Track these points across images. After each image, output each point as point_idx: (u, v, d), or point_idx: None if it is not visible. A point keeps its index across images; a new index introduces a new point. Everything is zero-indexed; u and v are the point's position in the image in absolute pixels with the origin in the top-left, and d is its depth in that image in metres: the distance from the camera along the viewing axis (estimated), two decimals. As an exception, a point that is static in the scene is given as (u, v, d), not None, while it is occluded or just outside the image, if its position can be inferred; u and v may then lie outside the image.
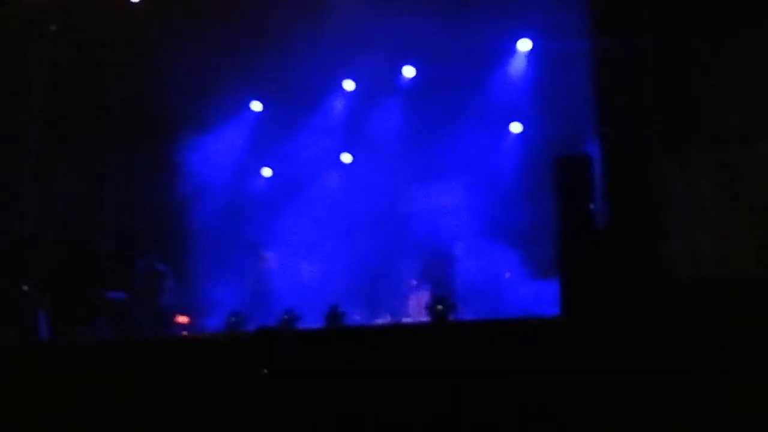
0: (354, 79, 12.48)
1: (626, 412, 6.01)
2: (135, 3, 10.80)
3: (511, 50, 11.29)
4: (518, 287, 10.34)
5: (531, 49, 11.16)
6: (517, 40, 11.17)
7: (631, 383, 6.08)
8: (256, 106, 12.92)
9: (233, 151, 12.87)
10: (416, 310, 10.27)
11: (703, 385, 6.02)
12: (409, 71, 12.11)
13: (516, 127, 11.87)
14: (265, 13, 10.81)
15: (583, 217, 7.66)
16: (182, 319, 10.60)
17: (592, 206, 7.78)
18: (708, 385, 6.02)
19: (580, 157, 7.93)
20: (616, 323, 6.48)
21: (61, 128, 10.49)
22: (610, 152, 7.84)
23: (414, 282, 10.65)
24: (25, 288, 8.99)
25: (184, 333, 9.81)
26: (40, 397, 7.61)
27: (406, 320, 9.88)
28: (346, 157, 13.10)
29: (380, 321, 9.49)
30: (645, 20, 7.82)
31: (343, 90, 12.61)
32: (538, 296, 9.76)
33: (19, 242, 9.62)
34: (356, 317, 9.92)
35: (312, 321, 8.66)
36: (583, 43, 8.36)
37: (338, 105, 12.67)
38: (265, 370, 7.11)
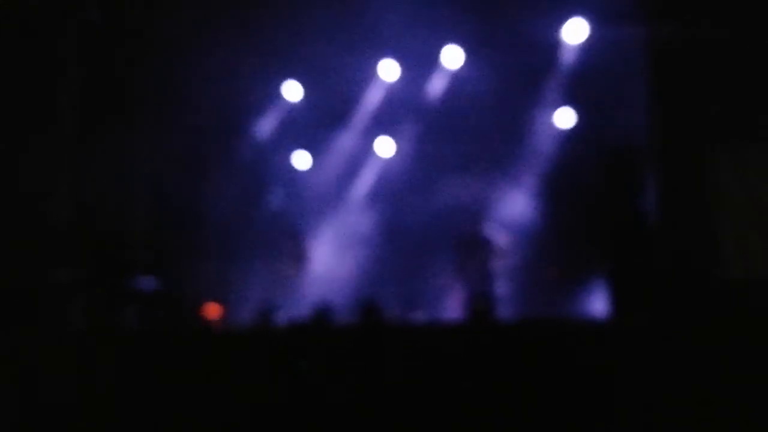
0: (395, 65, 12.19)
1: (678, 415, 5.74)
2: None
3: (561, 38, 10.83)
4: (562, 286, 10.08)
5: (583, 37, 10.76)
6: (568, 26, 10.76)
7: (681, 386, 5.81)
8: (294, 94, 12.74)
9: (268, 138, 12.74)
10: (455, 307, 10.11)
11: (756, 390, 5.65)
12: (454, 55, 11.74)
13: (564, 119, 11.48)
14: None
15: (634, 215, 7.52)
16: (215, 308, 10.59)
17: (642, 203, 7.61)
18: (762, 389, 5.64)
19: (631, 151, 7.80)
20: (666, 325, 6.17)
21: (95, 117, 10.44)
22: (662, 146, 7.71)
23: (452, 278, 10.42)
24: (60, 276, 8.97)
25: (216, 324, 9.76)
26: (79, 388, 7.44)
27: (444, 318, 9.72)
28: (384, 149, 12.89)
29: (417, 316, 9.33)
30: (701, 8, 7.62)
31: (382, 79, 12.32)
32: (583, 296, 9.59)
33: (53, 230, 9.60)
34: (392, 313, 9.79)
35: (347, 315, 8.49)
36: (637, 31, 8.16)
37: (377, 94, 12.38)
38: (296, 363, 7.00)
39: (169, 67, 10.92)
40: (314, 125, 12.53)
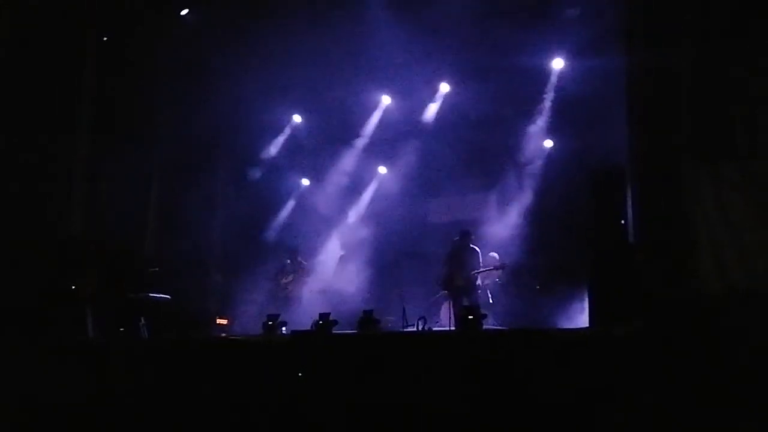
0: (391, 96, 12.65)
1: (654, 425, 5.96)
2: (184, 19, 11.15)
3: (546, 68, 11.30)
4: (546, 298, 10.33)
5: (564, 66, 11.17)
6: (551, 58, 11.19)
7: (659, 394, 6.03)
8: (296, 118, 13.22)
9: (274, 161, 13.21)
10: (447, 318, 10.36)
11: (732, 397, 5.91)
12: (447, 86, 12.20)
13: (548, 142, 11.89)
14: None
15: (616, 231, 7.65)
16: (222, 321, 10.79)
17: (623, 220, 7.74)
18: (738, 397, 5.91)
19: (613, 171, 7.94)
20: (645, 336, 6.43)
21: (110, 135, 10.74)
22: (640, 165, 7.81)
23: (444, 292, 10.68)
24: (74, 287, 9.21)
25: (223, 335, 9.93)
26: (89, 394, 7.79)
27: (436, 328, 9.92)
28: (381, 172, 13.32)
29: (412, 328, 9.52)
30: (677, 35, 7.78)
31: (381, 106, 12.80)
32: (566, 308, 9.81)
33: (68, 242, 9.85)
34: (389, 324, 10.03)
35: (346, 327, 8.77)
36: (615, 59, 8.39)
37: (375, 121, 12.86)
38: (300, 374, 7.20)
39: (182, 92, 11.28)
40: (316, 149, 12.97)
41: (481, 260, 10.38)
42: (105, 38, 10.70)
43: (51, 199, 10.03)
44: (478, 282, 10.36)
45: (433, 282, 10.78)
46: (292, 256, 11.83)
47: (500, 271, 10.64)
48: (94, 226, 10.38)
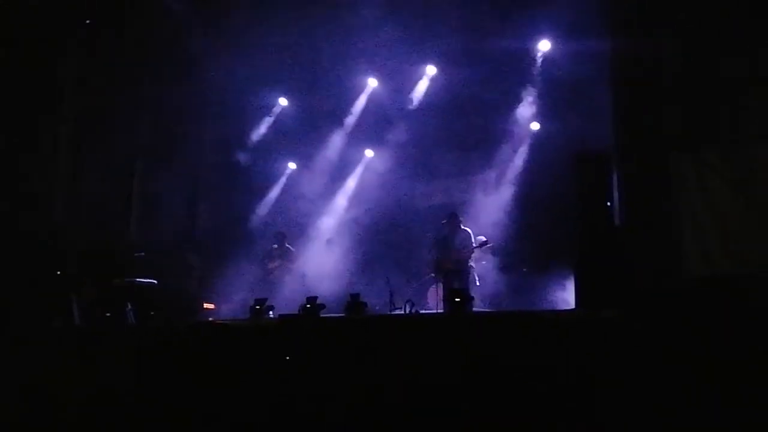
0: (378, 79, 12.61)
1: (639, 407, 6.00)
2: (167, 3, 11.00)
3: (532, 51, 11.27)
4: (532, 281, 10.39)
5: (551, 49, 11.16)
6: (538, 40, 11.17)
7: (642, 378, 6.05)
8: (282, 101, 13.16)
9: (259, 145, 13.16)
10: (434, 301, 10.43)
11: (718, 381, 5.95)
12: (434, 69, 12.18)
13: (534, 125, 11.91)
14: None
15: (601, 215, 7.68)
16: (209, 305, 10.79)
17: (609, 204, 7.78)
18: (723, 380, 5.95)
19: (598, 155, 7.94)
20: (629, 319, 6.46)
21: (92, 120, 10.63)
22: (625, 150, 7.85)
23: (431, 274, 10.73)
24: (59, 274, 9.14)
25: (211, 319, 9.94)
26: (79, 382, 7.73)
27: (424, 311, 9.98)
28: (370, 153, 13.32)
29: (399, 311, 9.57)
30: (663, 20, 7.81)
31: (368, 89, 12.75)
32: (553, 291, 9.89)
33: (52, 229, 9.75)
34: (377, 308, 10.09)
35: (335, 310, 8.81)
36: (601, 42, 8.40)
37: (362, 104, 12.81)
38: (288, 357, 7.23)
39: (165, 76, 11.18)
40: (303, 133, 12.93)
41: (474, 240, 10.39)
42: (87, 21, 10.53)
43: (33, 186, 9.92)
44: (471, 264, 10.37)
45: (426, 265, 10.79)
46: (279, 240, 11.82)
47: (489, 255, 10.67)
48: (78, 212, 10.28)
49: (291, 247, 11.84)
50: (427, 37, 11.15)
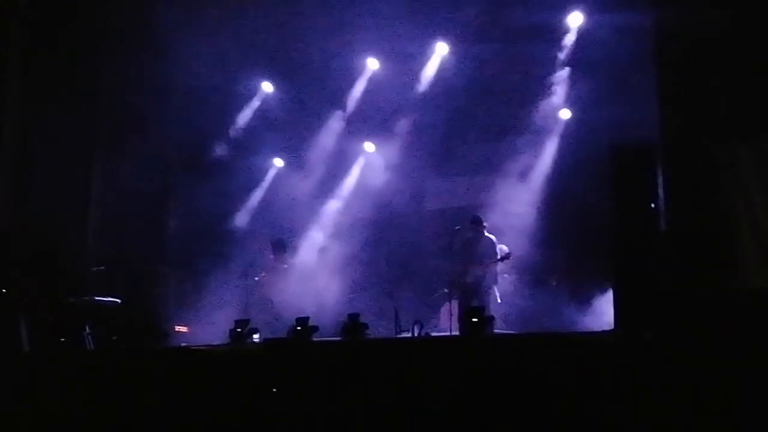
0: (379, 60, 12.64)
1: None
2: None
3: (561, 25, 11.27)
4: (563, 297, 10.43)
5: (584, 23, 11.14)
6: (567, 12, 11.15)
7: (692, 408, 6.11)
8: (266, 87, 13.21)
9: (239, 139, 13.18)
10: (448, 321, 10.43)
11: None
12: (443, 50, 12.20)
13: (564, 113, 11.94)
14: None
15: (644, 218, 7.63)
16: (181, 328, 10.82)
17: (652, 205, 7.76)
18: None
19: (640, 147, 7.91)
20: (675, 341, 6.50)
21: (44, 109, 10.67)
22: (671, 140, 7.82)
23: (445, 290, 10.73)
24: (3, 291, 9.12)
25: (183, 344, 9.95)
26: (27, 419, 7.79)
27: (435, 333, 9.95)
28: (370, 147, 13.35)
29: (406, 334, 9.57)
30: None
31: (367, 72, 12.77)
32: (587, 309, 9.89)
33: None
34: (379, 329, 10.07)
35: (329, 333, 8.80)
36: (642, 15, 8.41)
37: (360, 90, 12.84)
38: (274, 389, 7.24)
39: (128, 57, 11.21)
40: (291, 124, 12.97)
41: (498, 251, 10.41)
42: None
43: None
44: (496, 277, 10.37)
45: (439, 279, 10.80)
46: (277, 251, 11.78)
47: (508, 268, 10.67)
48: (27, 220, 10.30)
49: (289, 260, 11.81)
50: (437, 8, 11.13)
